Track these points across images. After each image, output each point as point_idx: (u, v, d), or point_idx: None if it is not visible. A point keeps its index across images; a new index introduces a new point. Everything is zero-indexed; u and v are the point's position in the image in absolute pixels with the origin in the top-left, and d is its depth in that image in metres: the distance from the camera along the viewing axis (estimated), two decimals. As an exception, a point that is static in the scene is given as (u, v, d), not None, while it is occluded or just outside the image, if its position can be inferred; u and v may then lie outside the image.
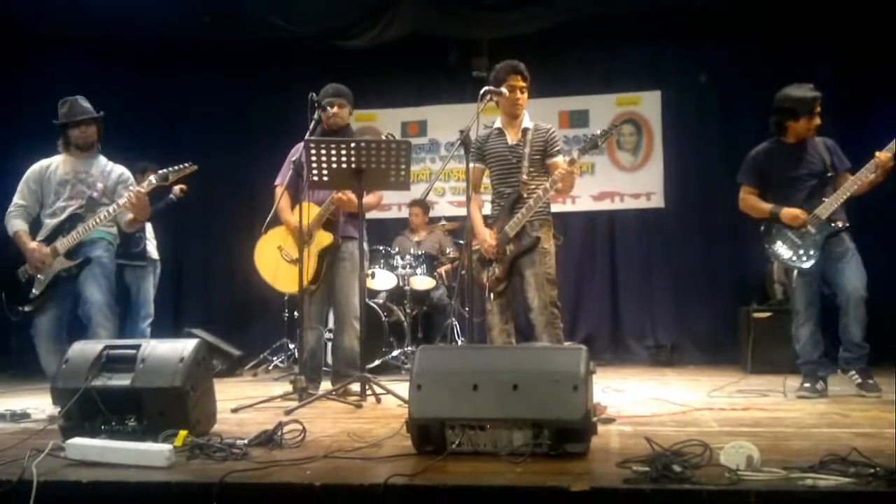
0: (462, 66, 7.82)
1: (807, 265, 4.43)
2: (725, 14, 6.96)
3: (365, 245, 4.61)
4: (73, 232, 4.24)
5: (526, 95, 4.39)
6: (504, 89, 4.27)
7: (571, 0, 7.03)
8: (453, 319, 6.37)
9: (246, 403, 4.12)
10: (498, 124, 4.49)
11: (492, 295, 4.38)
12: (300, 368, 4.53)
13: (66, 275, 4.25)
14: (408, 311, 6.61)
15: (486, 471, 2.36)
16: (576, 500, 2.09)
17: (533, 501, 2.14)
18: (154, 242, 6.60)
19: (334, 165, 4.20)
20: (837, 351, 4.51)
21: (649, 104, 7.86)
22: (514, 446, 2.56)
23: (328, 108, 4.65)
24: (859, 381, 4.45)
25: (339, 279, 4.74)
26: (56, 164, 4.41)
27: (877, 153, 4.30)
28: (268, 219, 4.62)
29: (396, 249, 6.81)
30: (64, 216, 4.29)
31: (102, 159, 4.50)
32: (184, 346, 3.08)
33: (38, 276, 4.24)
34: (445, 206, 8.01)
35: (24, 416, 3.95)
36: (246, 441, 2.77)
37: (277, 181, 4.88)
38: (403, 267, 6.64)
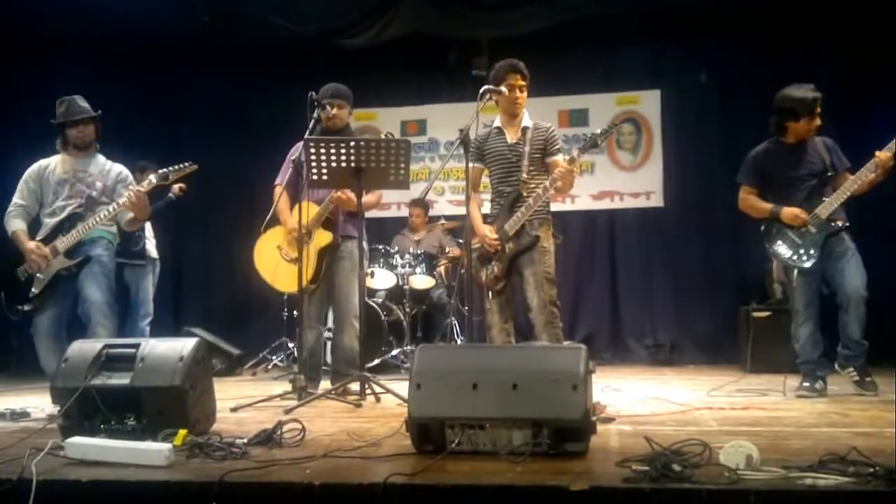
0: (462, 66, 7.82)
1: (807, 264, 4.43)
2: (725, 14, 6.96)
3: (364, 244, 4.61)
4: (72, 231, 4.24)
5: (525, 94, 4.40)
6: (504, 88, 4.28)
7: (571, 0, 7.03)
8: (453, 318, 6.37)
9: (245, 402, 4.12)
10: (497, 123, 4.49)
11: (491, 294, 4.39)
12: (299, 367, 4.53)
13: (65, 274, 4.25)
14: (407, 310, 6.61)
15: (486, 470, 2.36)
16: (575, 499, 2.09)
17: (532, 500, 2.14)
18: (153, 241, 6.60)
19: (334, 164, 4.20)
20: (836, 349, 4.51)
21: (649, 103, 7.86)
22: (513, 445, 2.55)
23: (327, 107, 4.65)
24: (857, 378, 4.46)
25: (339, 278, 4.74)
26: (55, 163, 4.41)
27: (877, 153, 4.30)
28: (267, 218, 4.62)
29: (396, 248, 6.81)
30: (63, 215, 4.30)
31: (101, 158, 4.50)
32: (183, 346, 3.08)
33: (38, 274, 4.24)
34: (445, 205, 8.01)
35: (23, 414, 3.94)
36: (245, 440, 2.77)
37: (277, 181, 4.88)
38: (403, 266, 6.64)
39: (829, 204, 4.43)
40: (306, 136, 4.34)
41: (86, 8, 6.66)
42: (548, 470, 2.34)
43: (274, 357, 6.99)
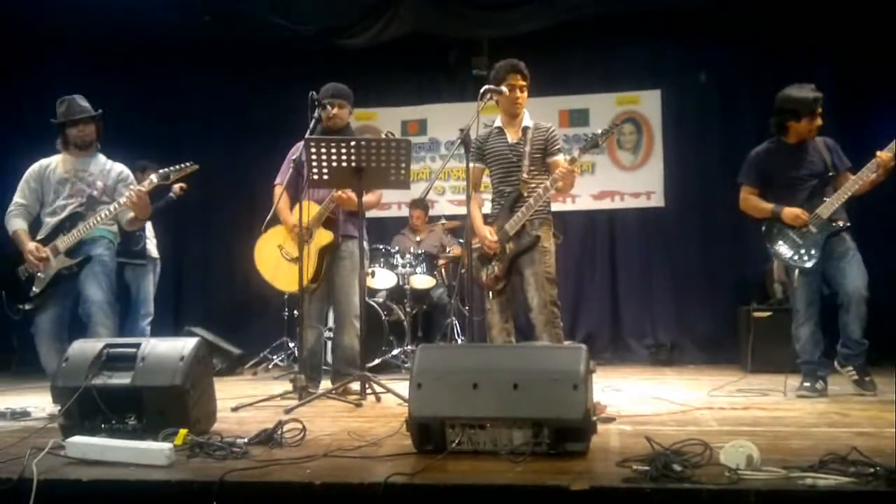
0: (462, 65, 7.82)
1: (808, 265, 4.43)
2: (726, 14, 6.96)
3: (365, 244, 4.61)
4: (73, 230, 4.25)
5: (526, 94, 4.40)
6: (504, 88, 4.28)
7: (571, 0, 7.04)
8: (453, 318, 6.37)
9: (246, 402, 4.12)
10: (498, 123, 4.49)
11: (491, 294, 4.39)
12: (300, 367, 4.53)
13: (66, 273, 4.25)
14: (408, 309, 6.61)
15: (486, 470, 2.36)
16: (576, 499, 2.09)
17: (533, 500, 2.14)
18: (154, 241, 6.61)
19: (334, 164, 4.20)
20: (836, 348, 4.51)
21: (649, 103, 7.86)
22: (513, 445, 2.56)
23: (328, 107, 4.65)
24: (856, 377, 4.46)
25: (339, 278, 4.74)
26: (56, 163, 4.42)
27: (878, 153, 4.30)
28: (268, 218, 4.62)
29: (396, 248, 6.81)
30: (64, 214, 4.30)
31: (102, 158, 4.50)
32: (184, 345, 3.08)
33: (39, 274, 4.24)
34: (445, 204, 8.01)
35: (24, 414, 3.94)
36: (246, 440, 2.77)
37: (277, 180, 4.88)
38: (403, 266, 6.64)
39: (831, 204, 4.42)
40: (307, 135, 4.34)
41: (86, 8, 6.66)
42: (548, 470, 2.34)
43: (274, 357, 7.00)
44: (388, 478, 2.19)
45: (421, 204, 7.23)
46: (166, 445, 2.56)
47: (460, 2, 7.22)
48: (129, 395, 2.97)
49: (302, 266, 4.41)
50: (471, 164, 4.27)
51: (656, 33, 7.52)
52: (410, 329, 6.60)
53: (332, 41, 7.34)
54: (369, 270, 6.28)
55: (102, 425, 2.97)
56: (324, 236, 4.70)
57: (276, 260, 4.81)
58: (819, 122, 4.51)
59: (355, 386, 4.33)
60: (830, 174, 4.50)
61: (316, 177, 4.26)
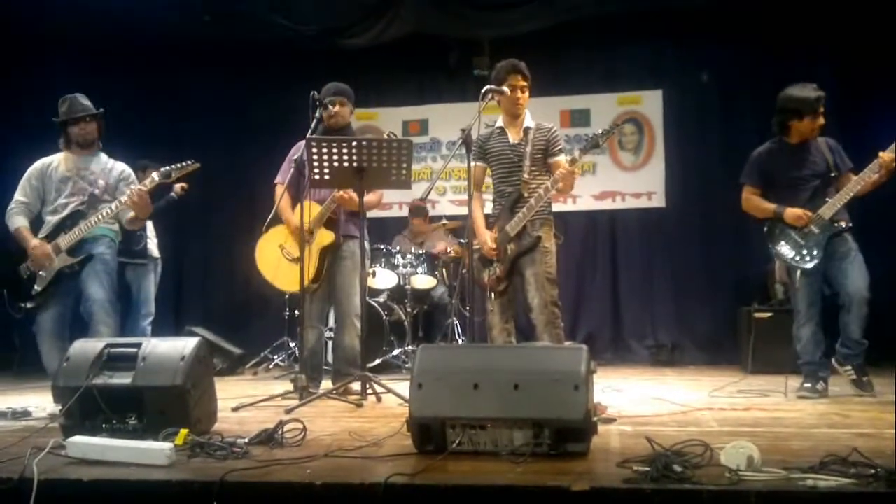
0: (463, 66, 7.82)
1: (810, 265, 4.43)
2: (726, 14, 6.96)
3: (366, 244, 4.61)
4: (74, 229, 4.25)
5: (527, 94, 4.40)
6: (505, 88, 4.28)
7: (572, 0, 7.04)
8: (454, 319, 6.37)
9: (246, 402, 4.12)
10: (500, 123, 4.49)
11: (492, 294, 4.39)
12: (301, 367, 4.53)
13: (68, 272, 4.26)
14: (408, 310, 6.61)
15: (487, 470, 2.36)
16: (576, 499, 2.09)
17: (533, 501, 2.14)
18: (155, 241, 6.61)
19: (336, 164, 4.20)
20: (836, 347, 4.52)
21: (651, 103, 7.85)
22: (514, 446, 2.56)
23: (329, 106, 4.65)
24: (854, 377, 4.46)
25: (340, 278, 4.74)
26: (57, 161, 4.43)
27: (880, 153, 4.29)
28: (269, 217, 4.62)
29: (397, 248, 6.81)
30: (65, 213, 4.31)
31: (103, 156, 4.52)
32: (185, 345, 3.08)
33: (41, 272, 4.25)
34: (447, 205, 8.01)
35: (25, 414, 3.94)
36: (246, 440, 2.77)
37: (278, 179, 4.88)
38: (404, 266, 6.64)
39: (833, 205, 4.42)
40: (308, 135, 4.34)
41: (86, 8, 6.66)
42: (549, 470, 2.34)
43: (275, 356, 6.99)
44: (389, 478, 2.19)
45: (420, 211, 7.22)
46: (167, 445, 2.56)
47: (461, 2, 7.22)
48: (130, 395, 2.97)
49: (303, 266, 4.41)
50: (472, 164, 4.27)
51: (657, 33, 7.52)
52: (411, 329, 6.60)
53: (333, 41, 7.34)
54: (370, 270, 6.28)
55: (103, 425, 2.97)
56: (325, 236, 4.70)
57: (277, 260, 4.81)
58: (821, 120, 4.51)
59: (356, 386, 4.33)
60: (832, 175, 4.50)
61: (317, 177, 4.26)
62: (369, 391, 4.28)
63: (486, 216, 4.55)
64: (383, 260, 6.64)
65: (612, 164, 7.92)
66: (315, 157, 4.19)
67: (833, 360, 4.53)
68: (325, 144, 4.18)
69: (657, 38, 7.62)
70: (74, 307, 4.34)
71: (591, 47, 7.78)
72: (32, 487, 2.23)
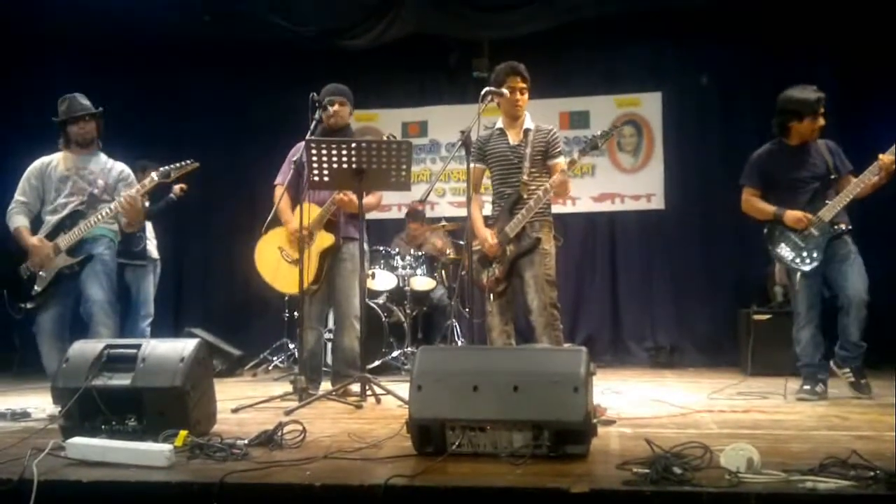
0: (463, 67, 7.81)
1: (810, 267, 4.43)
2: (725, 15, 6.96)
3: (365, 245, 4.61)
4: (74, 229, 4.25)
5: (526, 96, 4.40)
6: (505, 90, 4.28)
7: (571, 1, 7.04)
8: (453, 320, 6.37)
9: (246, 403, 4.12)
10: (499, 125, 4.49)
11: (492, 296, 4.39)
12: (300, 368, 4.53)
13: (68, 272, 4.26)
14: (408, 311, 6.61)
15: (487, 472, 2.36)
16: (576, 501, 2.09)
17: (533, 503, 2.14)
18: (154, 242, 6.61)
19: (335, 165, 4.20)
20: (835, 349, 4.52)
21: (650, 105, 7.85)
22: (514, 447, 2.56)
23: (329, 106, 4.65)
24: (852, 380, 4.47)
25: (340, 279, 4.74)
26: (57, 160, 4.43)
27: (880, 156, 4.30)
28: (268, 219, 4.62)
29: (396, 250, 6.81)
30: (65, 213, 4.31)
31: (103, 156, 4.52)
32: (184, 346, 3.09)
33: (41, 273, 4.25)
34: (446, 206, 8.00)
35: (24, 415, 3.95)
36: (246, 441, 2.78)
37: (278, 180, 4.88)
38: (403, 267, 6.64)
39: (832, 207, 4.43)
40: (308, 137, 4.34)
41: (86, 8, 6.65)
42: (548, 472, 2.34)
43: (274, 358, 6.99)
44: (389, 480, 2.19)
45: (417, 215, 7.22)
46: (166, 447, 2.56)
47: (461, 3, 7.22)
48: (130, 397, 2.97)
49: (302, 268, 4.41)
50: (471, 165, 4.27)
51: (656, 34, 7.51)
52: (410, 331, 6.60)
53: (333, 42, 7.33)
54: (369, 272, 6.28)
55: (103, 426, 2.97)
56: (325, 239, 4.70)
57: (277, 261, 4.81)
58: (821, 121, 4.51)
59: (355, 387, 4.34)
60: (832, 177, 4.50)
61: (316, 178, 4.26)
62: (369, 393, 4.28)
63: (485, 218, 4.55)
64: (382, 261, 6.64)
65: (612, 166, 7.92)
66: (314, 158, 4.19)
67: (832, 363, 4.53)
68: (324, 146, 4.18)
69: (657, 38, 7.62)
70: (74, 308, 4.34)
71: (591, 48, 7.77)
72: (32, 488, 2.24)
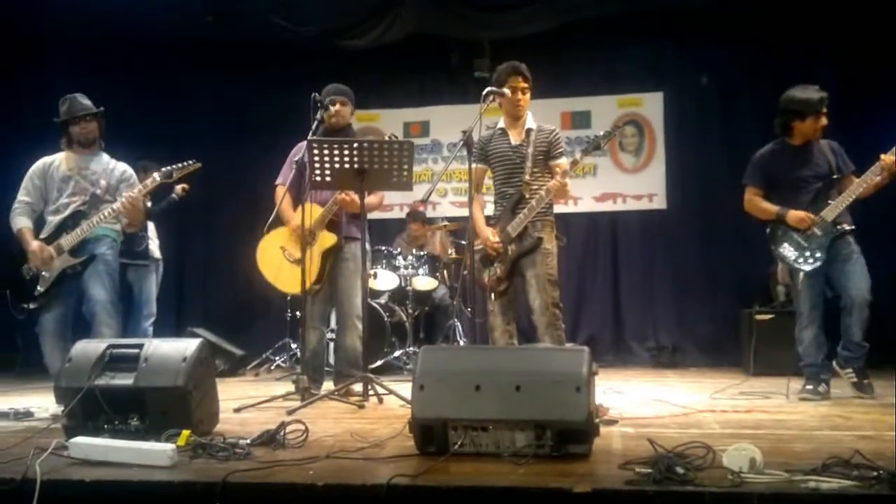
0: (464, 67, 7.82)
1: (813, 267, 4.43)
2: (726, 14, 6.96)
3: (367, 245, 4.61)
4: (76, 229, 4.26)
5: (528, 96, 4.40)
6: (506, 90, 4.28)
7: (572, 1, 7.04)
8: (455, 320, 6.37)
9: (248, 403, 4.12)
10: (501, 125, 4.49)
11: (493, 295, 4.39)
12: (302, 368, 4.53)
13: (70, 272, 4.27)
14: (410, 311, 6.61)
15: (489, 472, 2.36)
16: (578, 501, 2.09)
17: (535, 503, 2.14)
18: (157, 242, 6.61)
19: (337, 166, 4.20)
20: (837, 349, 4.52)
21: (651, 105, 7.86)
22: (516, 447, 2.56)
23: (330, 106, 4.65)
24: (855, 380, 4.47)
25: (342, 279, 4.74)
26: (59, 160, 4.44)
27: (882, 156, 4.30)
28: (270, 219, 4.62)
29: (398, 250, 6.81)
30: (67, 213, 4.31)
31: (105, 156, 4.53)
32: (186, 346, 3.09)
33: (43, 273, 4.25)
34: (447, 206, 8.01)
35: (27, 414, 3.95)
36: (248, 441, 2.78)
37: (279, 180, 4.88)
38: (405, 267, 6.64)
39: (835, 207, 4.42)
40: (309, 137, 4.34)
41: (86, 8, 6.66)
42: (551, 472, 2.34)
43: (277, 358, 6.99)
44: (391, 479, 2.19)
45: (418, 216, 7.22)
46: (169, 446, 2.56)
47: (460, 3, 7.22)
48: (132, 396, 2.97)
49: (304, 268, 4.41)
50: (473, 165, 4.27)
51: (657, 34, 7.52)
52: (412, 331, 6.60)
53: (333, 42, 7.33)
54: (371, 272, 6.28)
55: (105, 426, 2.97)
56: (327, 239, 4.70)
57: (279, 261, 4.81)
58: (824, 121, 4.51)
59: (358, 387, 4.33)
60: (835, 177, 4.50)
61: (318, 178, 4.26)
62: (371, 392, 4.28)
63: (487, 217, 4.55)
64: (384, 261, 6.64)
65: (613, 166, 7.92)
66: (316, 158, 4.19)
67: (834, 363, 4.53)
68: (326, 146, 4.18)
69: (657, 38, 7.62)
70: (77, 308, 4.34)
71: (592, 49, 7.78)
72: (35, 488, 2.24)
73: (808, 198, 4.50)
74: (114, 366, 3.05)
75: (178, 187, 6.47)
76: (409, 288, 6.62)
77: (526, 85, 4.36)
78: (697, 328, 7.48)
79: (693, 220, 7.59)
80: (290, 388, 4.44)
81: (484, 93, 4.19)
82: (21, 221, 4.33)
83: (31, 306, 4.27)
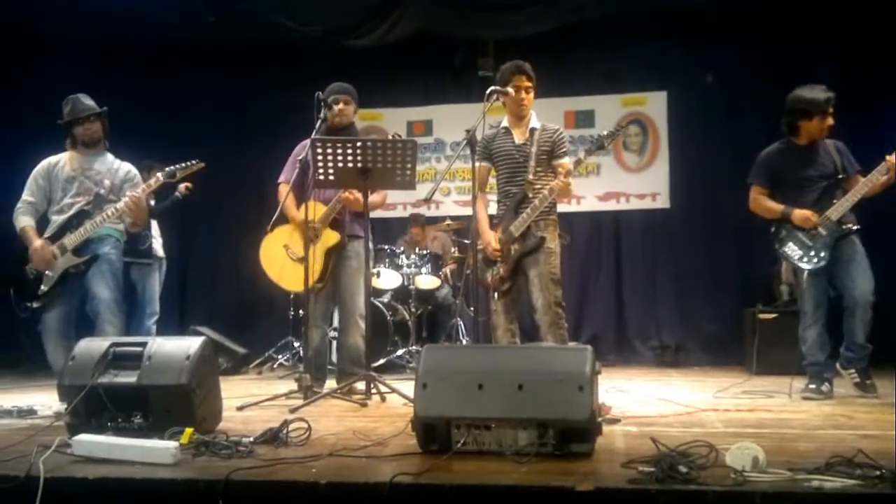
0: (468, 67, 7.83)
1: (817, 266, 4.42)
2: (730, 14, 6.95)
3: (370, 244, 4.61)
4: (80, 228, 4.27)
5: (532, 95, 4.40)
6: (510, 89, 4.28)
7: (575, 1, 7.03)
8: (458, 319, 6.37)
9: (251, 401, 4.12)
10: (505, 124, 4.50)
11: (496, 294, 4.39)
12: (305, 366, 4.53)
13: (74, 271, 4.28)
14: (413, 310, 6.61)
15: (491, 470, 2.36)
16: (581, 500, 2.09)
17: (538, 501, 2.14)
18: (160, 240, 6.62)
19: (340, 164, 4.21)
20: (840, 350, 4.51)
21: (655, 105, 7.85)
22: (519, 446, 2.55)
23: (333, 105, 4.66)
24: (857, 380, 4.46)
25: (345, 277, 4.74)
26: (63, 160, 4.45)
27: (887, 157, 4.30)
28: (274, 217, 4.63)
29: (401, 249, 6.82)
30: (71, 213, 4.33)
31: (109, 156, 4.54)
32: (190, 344, 3.09)
33: (47, 272, 4.26)
34: (451, 205, 8.02)
35: (30, 412, 3.95)
36: (251, 439, 2.78)
37: (282, 178, 4.88)
38: (408, 266, 6.65)
39: (840, 206, 4.42)
40: (313, 136, 4.35)
41: (86, 8, 6.67)
42: (553, 471, 2.34)
43: (280, 356, 7.00)
44: (394, 477, 2.19)
45: (418, 220, 7.23)
46: (172, 444, 2.56)
47: (466, 3, 7.22)
48: (136, 394, 2.97)
49: (308, 266, 4.41)
50: (477, 164, 4.27)
51: (660, 34, 7.51)
52: (415, 329, 6.60)
53: (337, 42, 7.34)
54: (374, 270, 6.29)
55: (109, 423, 2.98)
56: (330, 237, 4.70)
57: (282, 260, 4.81)
58: (830, 121, 4.51)
59: (360, 385, 4.34)
60: (840, 176, 4.50)
61: (322, 177, 4.27)
62: (374, 391, 4.28)
63: (491, 216, 4.55)
64: (387, 260, 6.65)
65: (617, 165, 7.91)
66: (320, 157, 4.19)
67: (837, 364, 4.53)
68: (329, 145, 4.18)
69: (661, 38, 7.61)
70: (80, 306, 4.35)
71: (595, 48, 7.77)
72: (38, 485, 2.24)
73: (813, 197, 4.50)
74: (117, 364, 3.05)
75: (182, 186, 6.47)
76: (411, 286, 6.62)
77: (530, 84, 4.36)
78: (701, 327, 7.47)
79: (696, 219, 7.59)
80: (293, 386, 4.43)
81: (488, 92, 4.19)
82: (24, 221, 4.34)
83: (35, 305, 4.28)
